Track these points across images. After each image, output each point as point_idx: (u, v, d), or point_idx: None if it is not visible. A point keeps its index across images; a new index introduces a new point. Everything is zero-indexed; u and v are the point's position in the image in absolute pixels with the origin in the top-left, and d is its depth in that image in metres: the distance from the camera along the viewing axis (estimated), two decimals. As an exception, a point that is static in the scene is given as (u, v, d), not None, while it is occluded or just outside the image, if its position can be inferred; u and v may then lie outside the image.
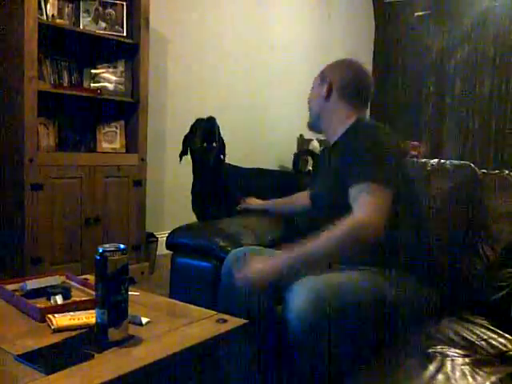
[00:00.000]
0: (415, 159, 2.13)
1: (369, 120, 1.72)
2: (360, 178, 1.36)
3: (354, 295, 1.30)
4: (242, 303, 1.40)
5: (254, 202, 2.08)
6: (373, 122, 1.61)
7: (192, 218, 2.14)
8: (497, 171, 1.87)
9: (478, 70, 5.49)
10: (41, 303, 1.20)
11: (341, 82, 1.57)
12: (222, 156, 2.17)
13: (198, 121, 2.16)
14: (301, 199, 1.86)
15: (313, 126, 1.68)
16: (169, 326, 1.12)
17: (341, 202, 1.37)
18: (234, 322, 1.16)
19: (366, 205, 1.31)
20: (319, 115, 1.62)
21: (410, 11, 5.85)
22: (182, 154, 2.16)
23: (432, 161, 1.98)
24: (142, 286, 1.45)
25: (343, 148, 1.51)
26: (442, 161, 1.96)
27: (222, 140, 2.17)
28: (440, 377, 1.06)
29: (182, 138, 2.18)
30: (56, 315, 1.09)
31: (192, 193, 2.20)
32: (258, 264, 1.36)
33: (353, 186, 1.36)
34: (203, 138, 2.10)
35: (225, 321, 1.15)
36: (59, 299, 1.23)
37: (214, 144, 2.11)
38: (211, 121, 2.14)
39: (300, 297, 1.22)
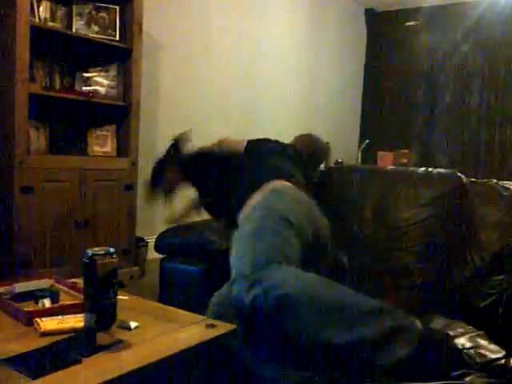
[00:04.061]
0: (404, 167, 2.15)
1: None
2: None
3: None
4: None
5: None
6: None
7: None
8: (485, 180, 1.89)
9: (468, 81, 5.56)
10: (28, 307, 1.20)
11: None
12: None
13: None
14: None
15: None
16: (157, 330, 1.12)
17: None
18: (223, 327, 1.16)
19: None
20: None
21: (401, 21, 5.91)
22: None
23: (420, 169, 2.00)
24: (131, 291, 1.44)
25: None
26: (430, 169, 1.99)
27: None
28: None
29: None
30: (44, 319, 1.09)
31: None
32: None
33: None
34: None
35: (214, 326, 1.15)
36: (47, 303, 1.22)
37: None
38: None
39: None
